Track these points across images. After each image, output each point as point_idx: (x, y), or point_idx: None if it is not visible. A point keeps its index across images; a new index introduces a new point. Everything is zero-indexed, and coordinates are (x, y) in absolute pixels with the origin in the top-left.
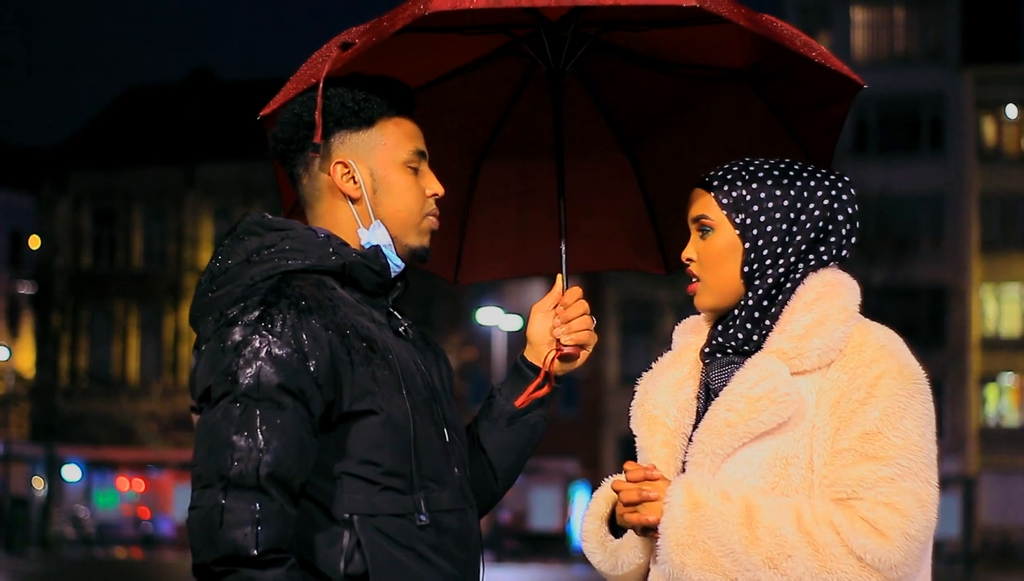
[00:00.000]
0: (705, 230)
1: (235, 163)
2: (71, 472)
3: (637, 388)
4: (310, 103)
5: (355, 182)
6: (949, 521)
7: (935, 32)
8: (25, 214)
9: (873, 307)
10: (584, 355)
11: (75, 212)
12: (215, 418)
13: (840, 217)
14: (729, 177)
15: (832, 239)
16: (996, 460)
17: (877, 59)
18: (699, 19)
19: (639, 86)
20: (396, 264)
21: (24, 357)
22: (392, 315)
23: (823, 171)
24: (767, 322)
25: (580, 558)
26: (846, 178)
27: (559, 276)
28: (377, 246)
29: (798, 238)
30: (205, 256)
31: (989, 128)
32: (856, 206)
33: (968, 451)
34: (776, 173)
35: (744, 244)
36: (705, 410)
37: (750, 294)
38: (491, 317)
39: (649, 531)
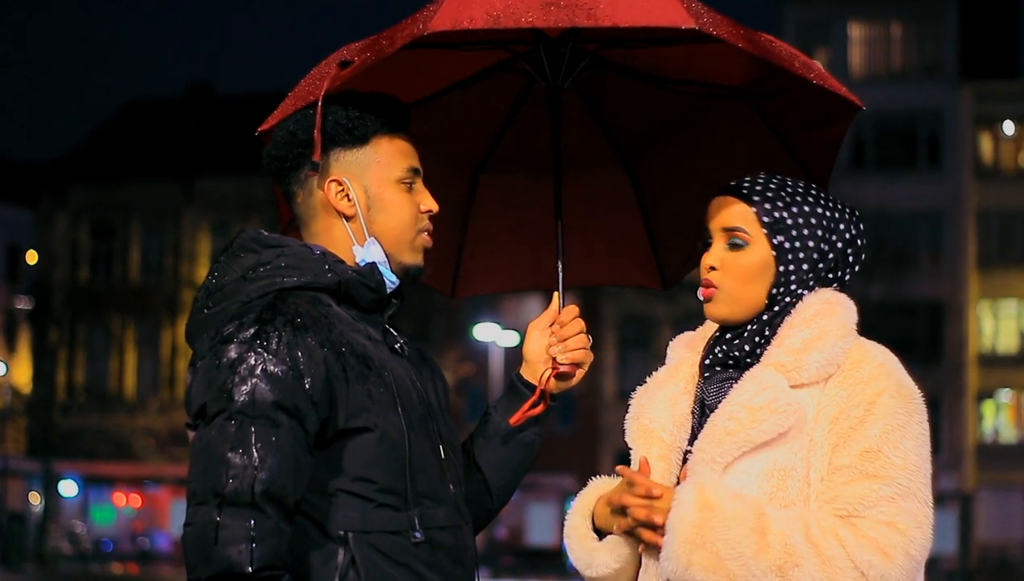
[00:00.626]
0: (738, 244)
1: (233, 178)
2: (68, 487)
3: (632, 402)
4: (304, 121)
5: (349, 200)
6: (946, 537)
7: (933, 48)
8: (23, 229)
9: (871, 323)
10: (580, 374)
11: (73, 227)
12: (210, 435)
13: (850, 250)
14: (769, 194)
15: (844, 268)
16: (993, 476)
17: (875, 75)
18: (698, 37)
19: (637, 103)
20: (391, 281)
21: (21, 372)
22: (388, 332)
23: (842, 202)
24: (768, 336)
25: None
26: (857, 213)
27: (555, 294)
28: (373, 263)
29: (821, 266)
30: (203, 271)
31: (987, 144)
32: (864, 240)
33: (965, 467)
34: (811, 198)
35: (779, 267)
36: (700, 425)
37: (765, 313)
38: (488, 333)
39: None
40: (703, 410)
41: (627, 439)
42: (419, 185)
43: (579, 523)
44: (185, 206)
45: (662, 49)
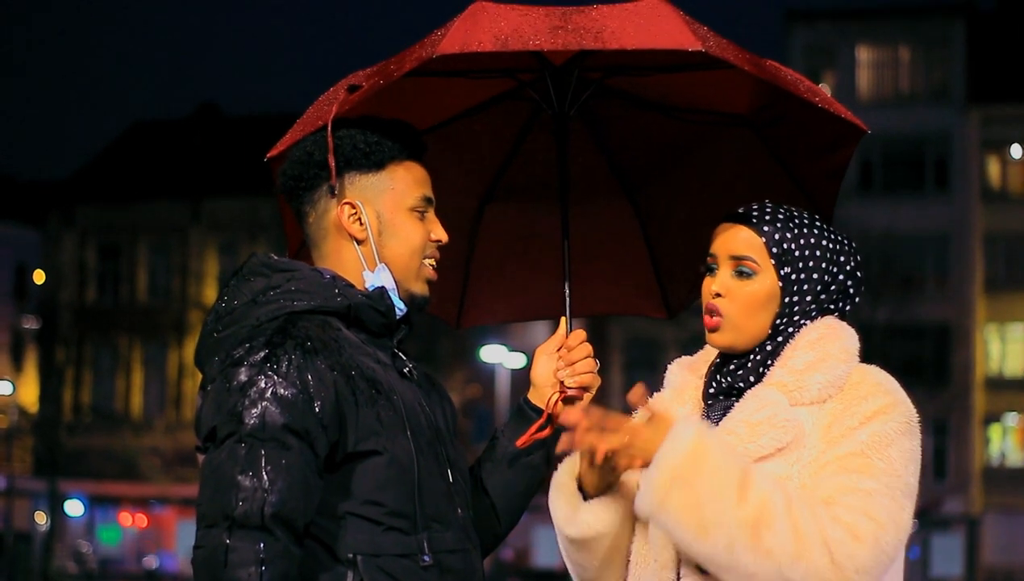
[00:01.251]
0: (745, 272)
1: (241, 198)
2: (74, 507)
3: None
4: (322, 142)
5: (361, 224)
6: (953, 561)
7: (940, 72)
8: (30, 248)
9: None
10: (588, 398)
11: (80, 246)
12: (220, 458)
13: (851, 281)
14: (779, 225)
15: (847, 299)
16: (1000, 500)
17: (882, 98)
18: (703, 64)
19: (642, 130)
20: (400, 308)
21: (28, 391)
22: (397, 356)
23: (841, 233)
24: (770, 365)
25: None
26: (855, 245)
27: (563, 319)
28: (382, 287)
29: (823, 297)
30: (210, 292)
31: (994, 168)
32: (862, 272)
33: (972, 491)
34: (816, 229)
35: (784, 298)
36: None
37: (768, 342)
38: (495, 355)
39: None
40: None
41: None
42: (431, 214)
43: (566, 480)
44: (192, 226)
45: (667, 77)
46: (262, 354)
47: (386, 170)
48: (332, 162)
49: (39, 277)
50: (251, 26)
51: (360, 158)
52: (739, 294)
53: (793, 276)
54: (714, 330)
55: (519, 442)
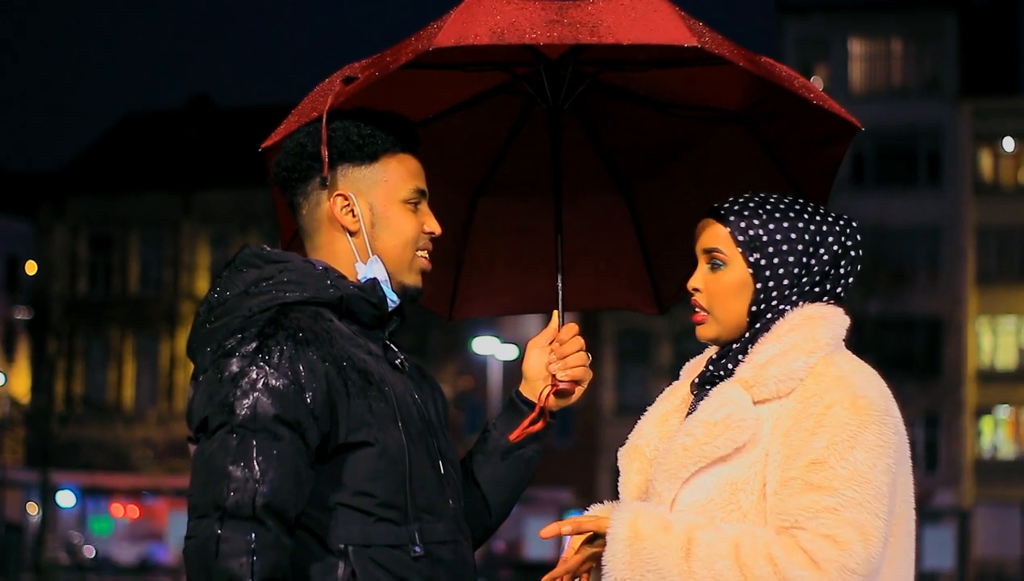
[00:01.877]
0: (716, 264)
1: (233, 190)
2: (65, 498)
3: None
4: (316, 134)
5: (354, 215)
6: (944, 553)
7: (933, 65)
8: (22, 240)
9: (869, 339)
10: (580, 391)
11: (72, 238)
12: (212, 448)
13: (844, 261)
14: (746, 213)
15: (832, 280)
16: (991, 492)
17: (874, 91)
18: (698, 60)
19: (636, 125)
20: (392, 300)
21: (19, 383)
22: (388, 348)
23: (834, 214)
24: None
25: None
26: (854, 223)
27: (555, 312)
28: (375, 279)
29: (805, 280)
30: (202, 283)
31: (986, 161)
32: (860, 250)
33: (963, 483)
34: (792, 214)
35: (756, 284)
36: None
37: (748, 331)
38: (487, 347)
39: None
40: None
41: (618, 455)
42: (424, 207)
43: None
44: (184, 218)
45: (662, 72)
46: (254, 345)
47: (379, 162)
48: (325, 153)
49: (31, 268)
50: (244, 18)
51: (353, 150)
52: (713, 286)
53: (763, 261)
54: (699, 324)
55: (512, 436)
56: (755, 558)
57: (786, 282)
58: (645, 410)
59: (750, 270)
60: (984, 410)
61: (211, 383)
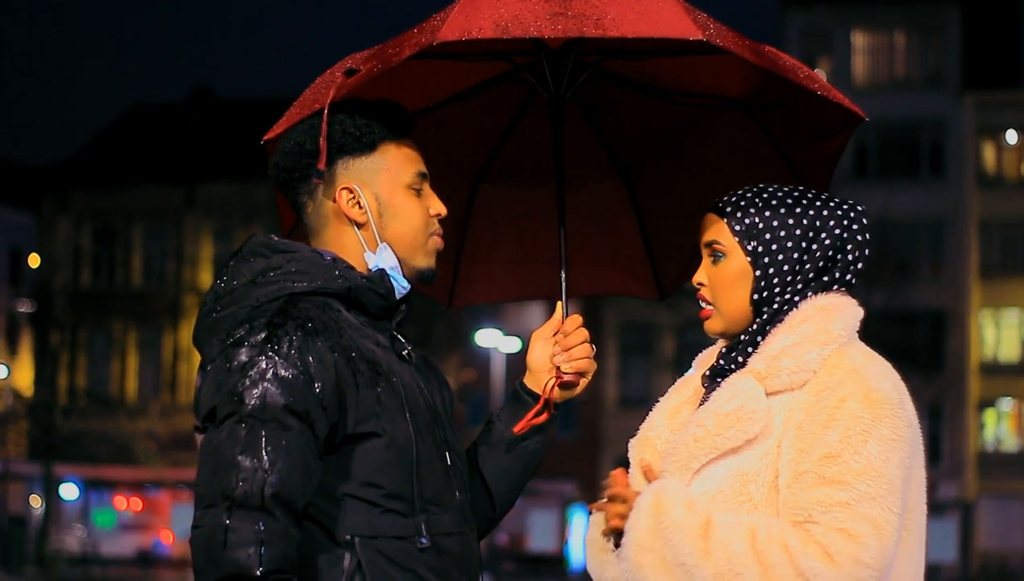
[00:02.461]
0: (717, 256)
1: (235, 183)
2: (69, 490)
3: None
4: (312, 131)
5: (361, 207)
6: (947, 546)
7: (936, 57)
8: (25, 232)
9: (872, 331)
10: (584, 383)
11: (75, 230)
12: (220, 438)
13: (850, 246)
14: (742, 204)
15: (840, 267)
16: (994, 485)
17: (878, 84)
18: (701, 49)
19: (638, 114)
20: (402, 287)
21: (23, 375)
22: (396, 338)
23: (837, 199)
24: (758, 344)
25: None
26: (859, 207)
27: (559, 303)
28: (382, 269)
29: (807, 266)
30: (205, 276)
31: (989, 153)
32: (867, 235)
33: (966, 476)
34: (790, 201)
35: (755, 271)
36: None
37: (757, 320)
38: (490, 339)
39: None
40: None
41: (629, 446)
42: (427, 189)
43: (596, 535)
44: (187, 210)
45: (664, 60)
46: (263, 335)
47: (378, 151)
48: (324, 145)
49: (34, 261)
50: (246, 10)
51: (352, 142)
52: (715, 278)
53: (760, 249)
54: (706, 318)
55: (516, 428)
56: (770, 545)
57: (786, 268)
58: (648, 402)
59: (748, 258)
60: (987, 403)
61: (219, 372)
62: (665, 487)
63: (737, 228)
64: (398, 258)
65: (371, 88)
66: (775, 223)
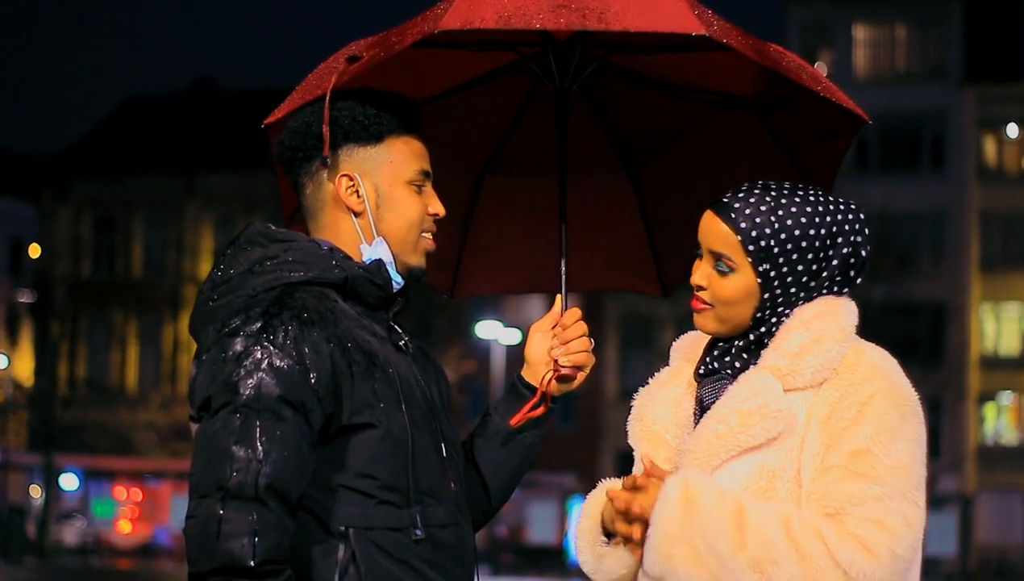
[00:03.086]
0: (724, 270)
1: (236, 173)
2: (69, 481)
3: (634, 403)
4: (320, 113)
5: (359, 196)
6: (946, 539)
7: (937, 50)
8: (25, 222)
9: (872, 324)
10: (582, 376)
11: (76, 221)
12: (214, 428)
13: (862, 251)
14: (758, 219)
15: (852, 275)
16: (994, 479)
17: (878, 77)
18: (707, 45)
19: (643, 108)
20: (397, 281)
21: (23, 365)
22: (393, 329)
23: (843, 202)
24: (755, 351)
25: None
26: (862, 215)
27: (558, 296)
28: (380, 260)
29: (812, 284)
30: (205, 266)
31: (990, 147)
32: (868, 246)
33: (966, 469)
34: (805, 215)
35: (763, 294)
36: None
37: (752, 332)
38: (490, 331)
39: (630, 542)
40: (703, 411)
41: (631, 440)
42: (428, 188)
43: (589, 526)
44: (187, 201)
45: (670, 56)
46: (258, 324)
47: (384, 143)
48: (327, 133)
49: (34, 251)
50: (248, 0)
51: (359, 131)
52: (719, 289)
53: (772, 272)
54: (699, 314)
55: (512, 421)
56: (806, 534)
57: (793, 290)
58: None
59: (758, 280)
60: (987, 396)
61: (214, 362)
62: (691, 477)
63: (751, 249)
64: (392, 253)
65: (377, 76)
66: (789, 246)
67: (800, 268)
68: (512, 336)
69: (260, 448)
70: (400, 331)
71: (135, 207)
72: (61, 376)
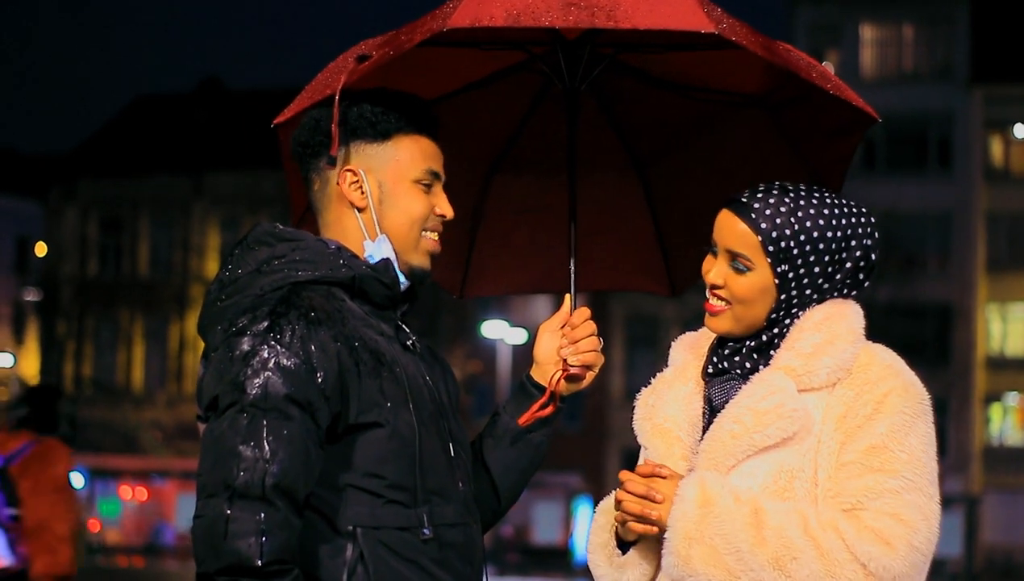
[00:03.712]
0: (741, 269)
1: (243, 173)
2: (74, 480)
3: (638, 402)
4: (330, 111)
5: (362, 192)
6: (952, 540)
7: (944, 50)
8: (32, 221)
9: (879, 325)
10: (591, 376)
11: (82, 220)
12: (222, 427)
13: (864, 262)
14: (778, 220)
15: (857, 279)
16: (1000, 479)
17: (886, 77)
18: (716, 44)
19: (653, 107)
20: (403, 280)
21: (29, 364)
22: (400, 329)
23: (856, 210)
24: (766, 353)
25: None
26: (872, 219)
27: (567, 296)
28: (387, 259)
29: (825, 286)
30: (211, 265)
31: (997, 147)
32: (877, 250)
33: (972, 470)
34: (823, 218)
35: (780, 295)
36: (710, 426)
37: (764, 333)
38: (496, 330)
39: (643, 538)
40: (712, 411)
41: (641, 439)
42: (437, 189)
43: (605, 539)
44: (194, 200)
45: (679, 55)
46: (265, 324)
47: (392, 141)
48: (335, 131)
49: (41, 250)
50: (254, 0)
51: (366, 127)
52: (735, 287)
53: (791, 274)
54: (713, 315)
55: (521, 420)
56: (824, 530)
57: (808, 291)
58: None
59: (776, 280)
60: (993, 397)
61: (222, 362)
62: (706, 478)
63: (771, 249)
64: (395, 251)
65: (387, 75)
66: (807, 247)
67: (816, 270)
68: (518, 336)
69: (267, 447)
70: (407, 330)
71: (142, 206)
72: (67, 375)
